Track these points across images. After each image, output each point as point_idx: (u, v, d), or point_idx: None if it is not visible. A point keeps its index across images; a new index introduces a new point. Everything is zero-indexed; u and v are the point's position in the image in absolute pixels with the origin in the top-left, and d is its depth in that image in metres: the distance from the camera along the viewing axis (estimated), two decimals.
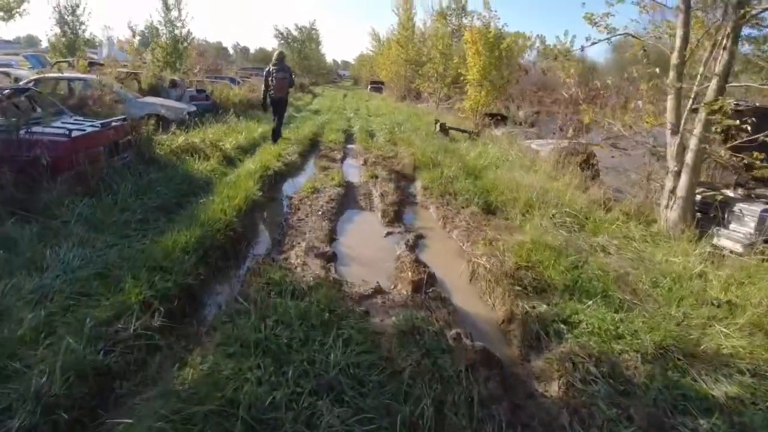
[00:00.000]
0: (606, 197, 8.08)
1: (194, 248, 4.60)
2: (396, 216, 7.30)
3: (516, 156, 11.58)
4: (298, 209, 7.01)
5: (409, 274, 5.14)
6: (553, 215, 6.97)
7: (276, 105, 11.34)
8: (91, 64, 17.23)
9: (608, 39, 8.28)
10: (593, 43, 8.31)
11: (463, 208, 7.72)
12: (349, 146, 13.13)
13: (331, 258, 5.43)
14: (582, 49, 8.83)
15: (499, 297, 4.90)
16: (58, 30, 26.62)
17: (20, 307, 3.39)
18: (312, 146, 12.44)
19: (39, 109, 6.70)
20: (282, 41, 62.49)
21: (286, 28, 61.91)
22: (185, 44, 26.43)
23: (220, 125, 11.85)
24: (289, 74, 11.34)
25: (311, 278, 4.54)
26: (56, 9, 26.24)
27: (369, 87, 52.40)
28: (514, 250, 5.53)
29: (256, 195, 6.73)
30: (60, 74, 11.66)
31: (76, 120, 6.74)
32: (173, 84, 14.85)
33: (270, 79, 10.97)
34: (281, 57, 11.34)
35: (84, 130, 6.03)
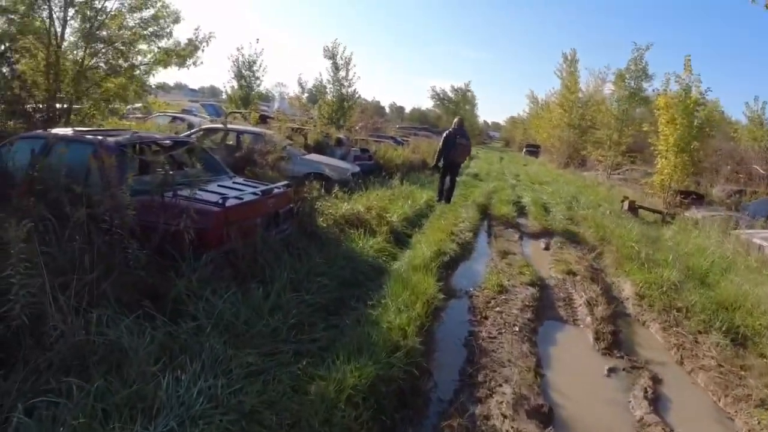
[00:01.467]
0: None
1: (364, 397, 3.09)
2: (613, 340, 5.30)
3: (734, 251, 8.93)
4: (486, 317, 5.31)
5: None
6: None
7: (450, 169, 11.26)
8: (262, 117, 17.55)
9: None
10: None
11: (700, 333, 5.51)
12: (523, 222, 11.29)
13: (548, 417, 3.64)
14: None
15: None
16: (235, 83, 28.57)
17: None
18: (482, 218, 10.79)
19: (197, 166, 5.88)
20: (438, 102, 63.26)
21: (442, 89, 62.31)
22: (350, 103, 26.96)
23: (384, 189, 10.76)
24: (469, 141, 11.42)
25: None
26: (235, 63, 28.25)
27: (524, 150, 50.77)
28: None
29: (437, 298, 5.19)
30: (229, 125, 11.44)
31: (235, 182, 5.80)
32: (339, 142, 14.28)
33: (451, 143, 10.92)
34: (461, 123, 11.41)
35: (241, 198, 4.99)
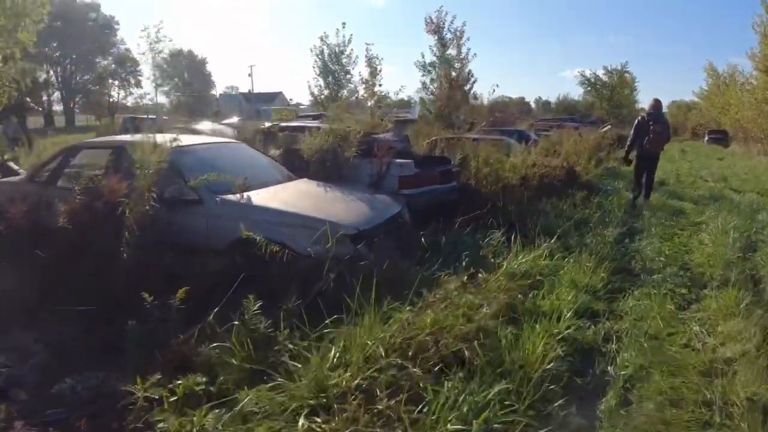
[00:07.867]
0: None
1: None
2: None
3: None
4: None
5: None
6: None
7: (645, 161, 9.03)
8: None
9: None
10: None
11: None
12: None
13: None
14: None
15: None
16: (321, 81, 22.80)
17: None
18: None
19: None
20: (588, 88, 52.92)
21: (593, 73, 51.17)
22: (465, 89, 20.15)
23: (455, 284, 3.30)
24: (666, 128, 9.26)
25: None
26: (319, 57, 22.42)
27: (706, 138, 39.81)
28: None
29: None
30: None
31: None
32: (368, 149, 6.41)
33: (642, 130, 8.77)
34: (657, 106, 9.49)
35: None
